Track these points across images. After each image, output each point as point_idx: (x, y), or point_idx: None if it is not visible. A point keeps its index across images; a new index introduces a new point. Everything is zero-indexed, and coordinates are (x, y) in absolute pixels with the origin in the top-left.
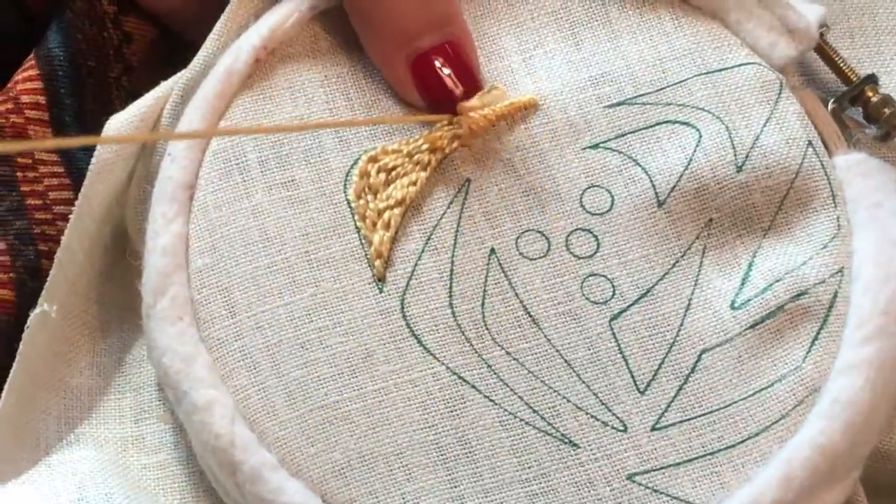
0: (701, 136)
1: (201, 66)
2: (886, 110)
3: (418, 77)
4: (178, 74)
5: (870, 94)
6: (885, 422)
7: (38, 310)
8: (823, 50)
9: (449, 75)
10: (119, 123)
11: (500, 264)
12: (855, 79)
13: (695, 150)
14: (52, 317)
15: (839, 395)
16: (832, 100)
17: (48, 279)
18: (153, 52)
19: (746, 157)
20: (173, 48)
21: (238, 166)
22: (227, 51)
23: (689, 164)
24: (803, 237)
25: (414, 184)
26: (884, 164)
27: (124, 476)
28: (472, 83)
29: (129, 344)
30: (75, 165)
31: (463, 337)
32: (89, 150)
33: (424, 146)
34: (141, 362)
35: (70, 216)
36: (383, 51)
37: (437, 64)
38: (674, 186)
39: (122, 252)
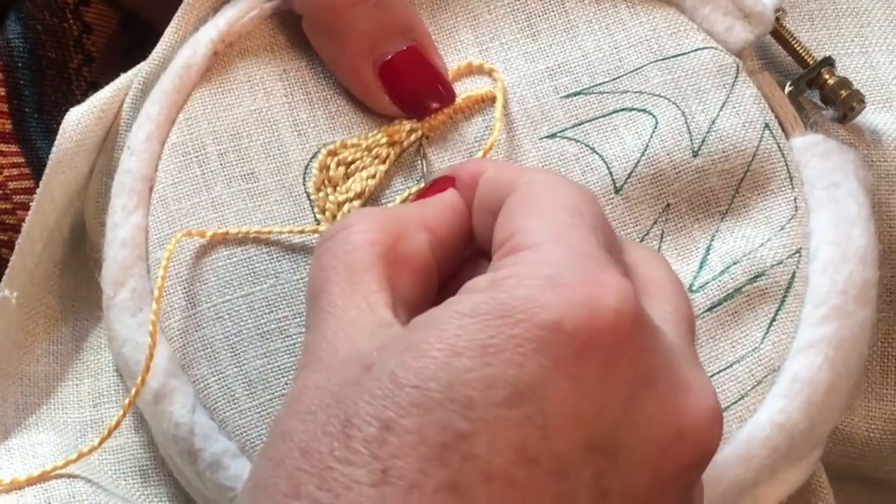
0: (657, 123)
1: (160, 59)
2: (843, 92)
3: (387, 82)
4: (138, 67)
5: (826, 76)
6: (845, 401)
7: None
8: (780, 33)
9: (416, 79)
10: (79, 115)
11: None
12: (811, 62)
13: (651, 136)
14: (12, 303)
15: (798, 373)
16: (789, 83)
17: (8, 266)
18: (114, 44)
19: (703, 141)
20: (134, 40)
21: (197, 159)
22: (185, 44)
23: (645, 151)
24: (761, 219)
25: (373, 177)
26: (841, 145)
27: (84, 460)
28: (440, 84)
29: (86, 332)
30: (35, 155)
31: None
32: (50, 140)
33: (383, 140)
34: (98, 349)
35: (30, 205)
36: (349, 62)
37: (403, 69)
38: (630, 173)
39: (79, 244)
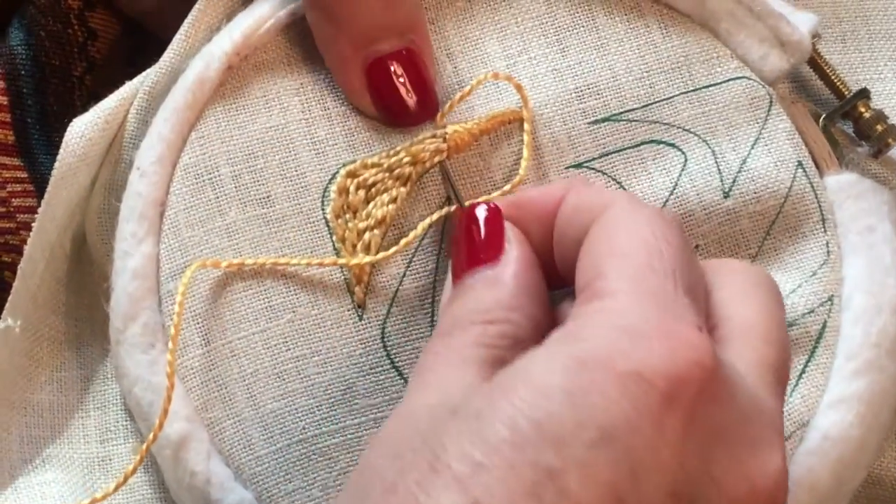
0: (686, 160)
1: (168, 69)
2: (879, 127)
3: (372, 82)
4: (143, 75)
5: (862, 109)
6: (874, 456)
7: (1, 325)
8: (816, 62)
9: (403, 83)
10: (82, 128)
11: None
12: (847, 93)
13: (680, 175)
14: (16, 332)
15: (829, 431)
16: (823, 116)
17: (11, 292)
18: (116, 51)
19: (734, 182)
20: (136, 47)
21: (211, 182)
22: (198, 56)
23: (674, 190)
24: (792, 263)
25: (394, 201)
26: (876, 185)
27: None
28: (426, 94)
29: (90, 358)
30: (38, 171)
31: None
32: (52, 154)
33: (406, 159)
34: (105, 379)
35: (33, 225)
36: (340, 52)
37: (393, 70)
38: None
39: (80, 258)
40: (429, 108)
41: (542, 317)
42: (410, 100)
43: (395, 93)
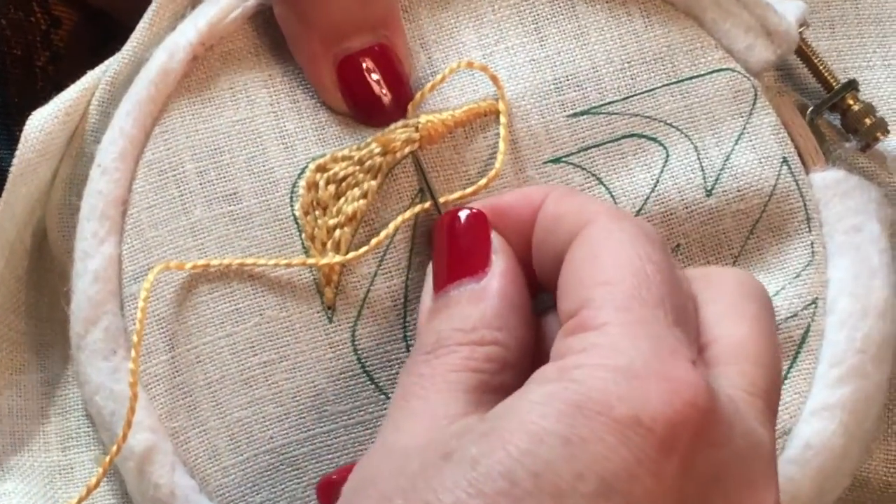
0: (668, 156)
1: (130, 58)
2: (867, 120)
3: (344, 80)
4: (105, 64)
5: (850, 101)
6: (857, 463)
7: None
8: (804, 52)
9: (377, 81)
10: (42, 121)
11: None
12: (835, 84)
13: (661, 171)
14: None
15: (811, 439)
16: (810, 109)
17: None
18: (79, 39)
19: (716, 179)
20: (102, 36)
21: (175, 178)
22: (161, 46)
23: (655, 187)
24: (775, 264)
25: (365, 195)
26: (864, 182)
27: None
28: (400, 90)
29: (50, 361)
30: None
31: None
32: (13, 149)
33: (377, 150)
34: (66, 383)
35: None
36: (310, 49)
37: (365, 67)
38: (639, 210)
39: (41, 255)
40: (403, 104)
41: (527, 336)
42: (384, 97)
43: (367, 90)
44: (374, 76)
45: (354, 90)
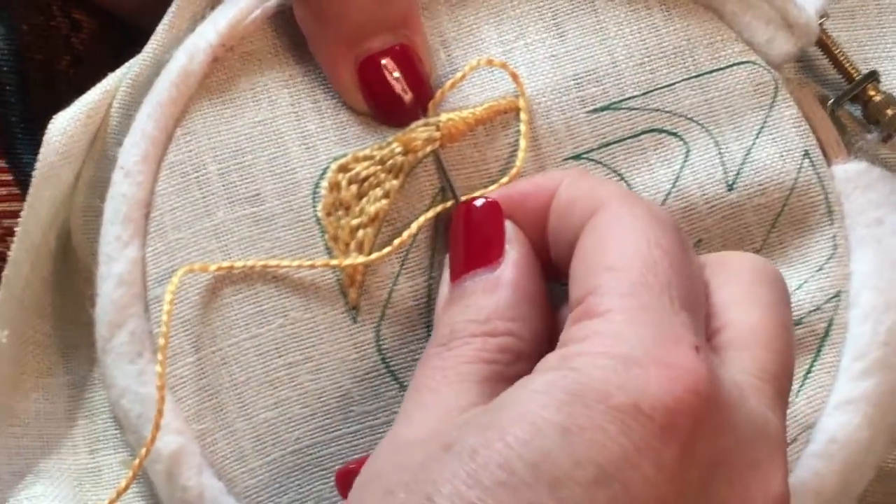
0: (689, 151)
1: (151, 60)
2: (889, 111)
3: (364, 80)
4: (126, 66)
5: (871, 92)
6: (882, 456)
7: None
8: (824, 44)
9: (398, 80)
10: (64, 124)
11: None
12: (856, 75)
13: (682, 167)
14: (3, 342)
15: (835, 433)
16: (831, 101)
17: None
18: (100, 42)
19: (737, 174)
20: (121, 38)
21: (197, 180)
22: (182, 47)
23: (676, 182)
24: (797, 258)
25: (387, 195)
26: (885, 174)
27: None
28: (422, 91)
29: (77, 363)
30: (22, 172)
31: None
32: (36, 153)
33: (398, 149)
34: (93, 385)
35: (16, 231)
36: (330, 50)
37: (386, 67)
38: (660, 205)
39: (66, 257)
40: (424, 103)
41: (541, 326)
42: (405, 96)
43: (388, 90)
44: (395, 76)
45: (375, 90)
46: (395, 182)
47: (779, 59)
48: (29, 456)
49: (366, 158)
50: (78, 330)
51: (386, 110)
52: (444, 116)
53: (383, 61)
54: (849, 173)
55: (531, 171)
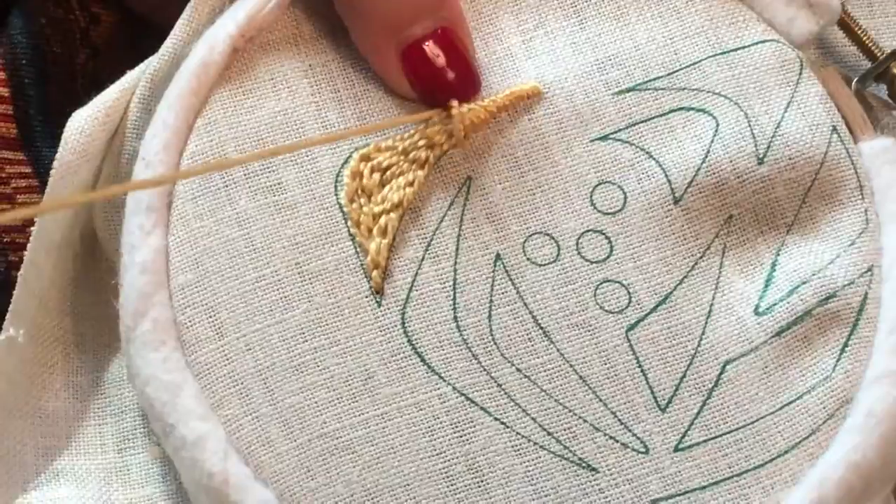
0: (718, 125)
1: (170, 55)
2: None
3: (410, 67)
4: (145, 63)
5: None
6: None
7: (2, 336)
8: (846, 23)
9: (442, 63)
10: (81, 122)
11: (506, 271)
12: (879, 54)
13: (712, 141)
14: (19, 341)
15: (873, 407)
16: (856, 79)
17: (13, 300)
18: (118, 36)
19: (768, 147)
20: (139, 32)
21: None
22: (201, 40)
23: (706, 157)
24: (829, 232)
25: (411, 184)
26: None
27: None
28: (467, 71)
29: (106, 360)
30: (42, 165)
31: (469, 353)
32: (55, 147)
33: (421, 142)
34: (120, 383)
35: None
36: (373, 40)
37: (430, 52)
38: (690, 181)
39: (93, 256)
40: (470, 83)
41: None
42: (451, 78)
43: (434, 76)
44: (439, 59)
45: (421, 76)
46: (420, 173)
47: (801, 38)
48: (56, 456)
49: (388, 149)
50: (109, 328)
51: (433, 94)
52: (465, 107)
53: (426, 46)
54: (876, 150)
55: (558, 153)
